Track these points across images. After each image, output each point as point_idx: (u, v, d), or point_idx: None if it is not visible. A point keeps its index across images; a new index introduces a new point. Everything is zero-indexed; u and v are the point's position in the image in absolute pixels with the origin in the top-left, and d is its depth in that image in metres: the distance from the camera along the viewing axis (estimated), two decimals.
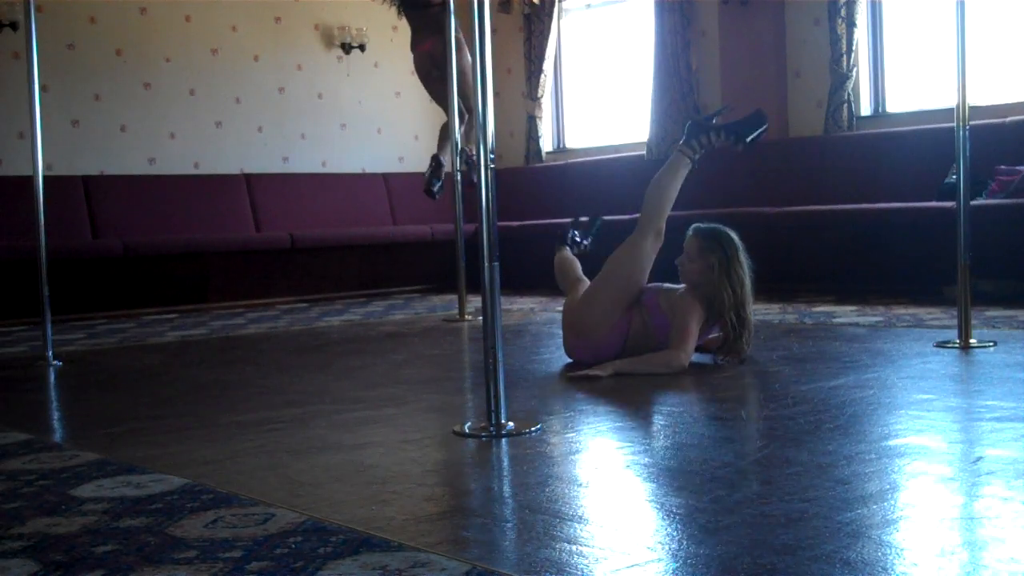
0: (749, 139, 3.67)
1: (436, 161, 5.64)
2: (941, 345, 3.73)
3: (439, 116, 9.48)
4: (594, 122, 8.86)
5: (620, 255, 3.62)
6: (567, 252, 4.20)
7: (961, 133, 3.75)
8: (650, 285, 3.65)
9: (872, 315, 4.87)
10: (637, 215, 3.64)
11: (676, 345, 3.41)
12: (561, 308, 4.00)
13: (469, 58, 5.34)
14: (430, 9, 5.60)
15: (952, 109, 3.79)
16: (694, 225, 3.60)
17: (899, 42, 6.98)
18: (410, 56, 5.92)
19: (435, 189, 5.60)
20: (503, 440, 2.50)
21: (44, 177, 4.60)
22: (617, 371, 3.37)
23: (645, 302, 3.58)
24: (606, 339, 3.58)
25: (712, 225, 3.58)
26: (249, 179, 8.12)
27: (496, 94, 7.65)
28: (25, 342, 5.42)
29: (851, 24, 6.82)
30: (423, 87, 5.96)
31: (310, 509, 1.92)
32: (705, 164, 7.88)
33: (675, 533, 1.70)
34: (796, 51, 7.26)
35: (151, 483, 2.18)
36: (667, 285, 3.62)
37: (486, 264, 2.60)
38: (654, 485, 2.07)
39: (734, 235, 3.51)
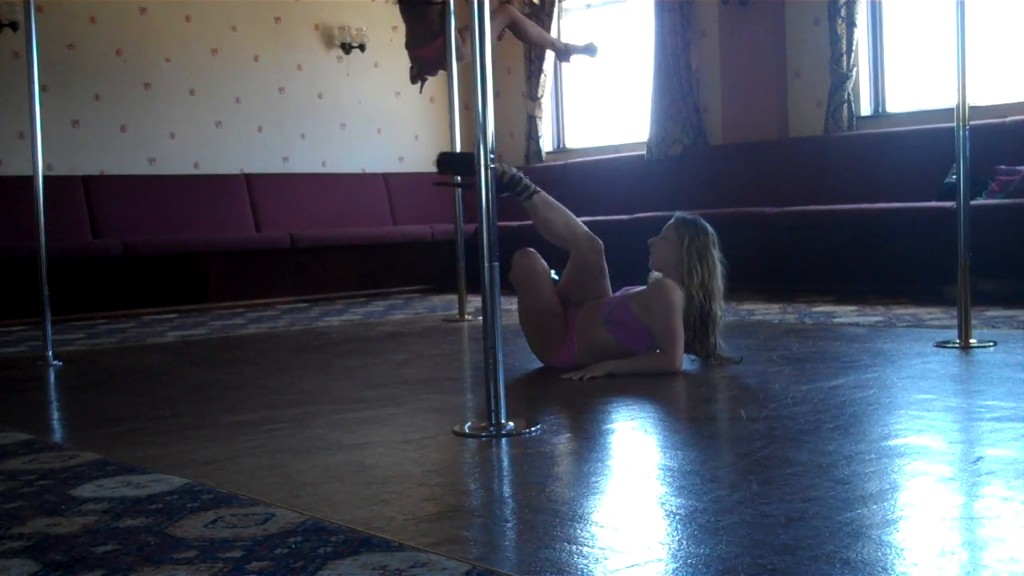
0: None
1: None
2: (941, 345, 3.73)
3: (439, 116, 9.44)
4: (594, 122, 8.86)
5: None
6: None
7: (961, 133, 3.75)
8: (615, 296, 3.57)
9: (872, 315, 4.87)
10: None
11: (668, 349, 3.37)
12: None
13: (516, 16, 5.73)
14: (431, 8, 5.58)
15: (952, 109, 3.79)
16: (676, 214, 3.61)
17: (899, 42, 6.98)
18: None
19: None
20: (503, 440, 2.50)
21: (44, 177, 4.61)
22: (609, 372, 3.36)
23: (611, 323, 3.46)
24: (556, 358, 3.58)
25: (694, 216, 3.59)
26: (249, 179, 8.12)
27: (496, 94, 7.64)
28: (25, 342, 5.42)
29: (851, 24, 6.82)
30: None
31: (310, 509, 1.92)
32: (705, 165, 7.82)
33: (675, 533, 1.70)
34: (796, 51, 7.26)
35: (151, 483, 2.18)
36: (633, 289, 3.55)
37: (486, 264, 2.60)
38: (654, 485, 2.07)
39: (712, 230, 3.51)
